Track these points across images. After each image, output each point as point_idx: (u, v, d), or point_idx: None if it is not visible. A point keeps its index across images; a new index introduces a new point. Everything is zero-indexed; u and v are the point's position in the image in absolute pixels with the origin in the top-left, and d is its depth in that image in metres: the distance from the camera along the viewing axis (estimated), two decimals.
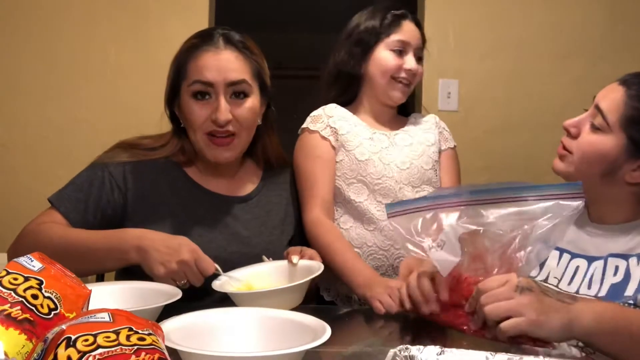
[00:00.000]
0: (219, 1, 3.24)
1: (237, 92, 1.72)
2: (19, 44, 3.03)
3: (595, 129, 1.58)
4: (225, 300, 1.48)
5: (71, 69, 3.04)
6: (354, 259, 1.75)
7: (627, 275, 1.52)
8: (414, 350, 0.98)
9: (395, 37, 1.97)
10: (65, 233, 1.63)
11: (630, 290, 1.49)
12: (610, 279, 1.54)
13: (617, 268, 1.54)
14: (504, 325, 1.20)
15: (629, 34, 3.10)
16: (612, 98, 1.56)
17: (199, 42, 1.74)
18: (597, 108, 1.58)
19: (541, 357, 0.99)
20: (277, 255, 1.72)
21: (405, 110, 2.14)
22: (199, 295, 1.56)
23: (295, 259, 1.62)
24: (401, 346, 0.99)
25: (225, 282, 1.53)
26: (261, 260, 1.69)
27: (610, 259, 1.57)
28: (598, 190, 1.59)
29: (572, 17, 3.11)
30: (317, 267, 1.58)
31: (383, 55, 1.97)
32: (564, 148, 1.65)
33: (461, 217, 1.31)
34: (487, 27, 3.12)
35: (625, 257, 1.55)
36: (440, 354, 0.97)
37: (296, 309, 1.34)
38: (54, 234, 1.62)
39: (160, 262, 1.48)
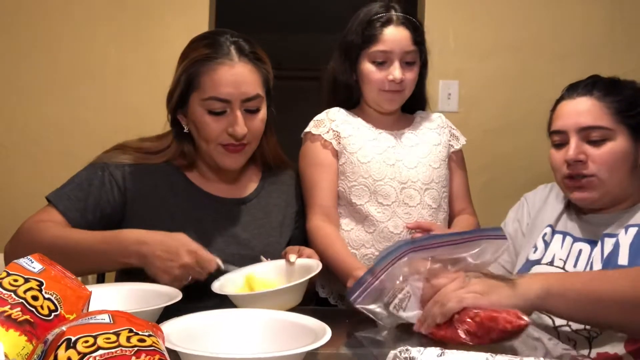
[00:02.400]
0: (219, 1, 3.24)
1: (251, 106, 1.72)
2: (19, 44, 3.03)
3: (597, 142, 1.65)
4: (225, 300, 1.48)
5: (71, 68, 3.04)
6: (348, 261, 1.75)
7: (617, 245, 1.60)
8: (415, 351, 0.98)
9: (375, 48, 1.90)
10: (63, 233, 1.62)
11: (622, 259, 1.57)
12: (606, 254, 1.62)
13: (610, 245, 1.62)
14: (450, 305, 1.28)
15: (629, 34, 3.10)
16: (586, 111, 1.67)
17: (212, 53, 1.70)
18: (582, 129, 1.66)
19: (541, 358, 0.99)
20: (275, 257, 1.72)
21: (411, 108, 2.10)
22: (199, 296, 1.57)
23: (292, 257, 1.62)
24: (402, 347, 0.99)
25: (224, 284, 1.53)
26: (260, 261, 1.69)
27: (606, 239, 1.64)
28: (624, 188, 1.68)
29: (573, 17, 3.11)
30: (315, 265, 1.58)
31: (366, 68, 1.93)
32: (581, 177, 1.67)
33: (411, 273, 1.40)
34: (488, 28, 3.12)
35: (616, 235, 1.63)
36: (441, 355, 0.97)
37: (296, 309, 1.34)
38: (51, 234, 1.61)
39: (163, 271, 1.49)
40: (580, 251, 1.68)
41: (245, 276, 1.58)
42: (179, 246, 1.51)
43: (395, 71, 1.89)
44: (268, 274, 1.61)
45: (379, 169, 1.90)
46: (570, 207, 1.81)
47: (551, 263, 1.70)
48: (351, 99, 2.03)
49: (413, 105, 2.09)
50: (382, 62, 1.91)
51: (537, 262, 1.73)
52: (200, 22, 3.02)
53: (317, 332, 1.09)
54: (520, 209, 1.93)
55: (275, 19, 5.54)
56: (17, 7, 3.03)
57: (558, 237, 1.75)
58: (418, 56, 1.95)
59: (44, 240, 1.59)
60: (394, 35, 1.89)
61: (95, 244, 1.58)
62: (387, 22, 1.90)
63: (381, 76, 1.91)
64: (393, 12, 1.91)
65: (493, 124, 3.09)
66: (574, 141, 1.66)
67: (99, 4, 3.05)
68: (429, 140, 2.00)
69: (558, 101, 1.78)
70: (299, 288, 1.50)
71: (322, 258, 1.72)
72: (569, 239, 1.73)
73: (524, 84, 3.10)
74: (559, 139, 1.71)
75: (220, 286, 1.51)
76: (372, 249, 1.89)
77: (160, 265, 1.49)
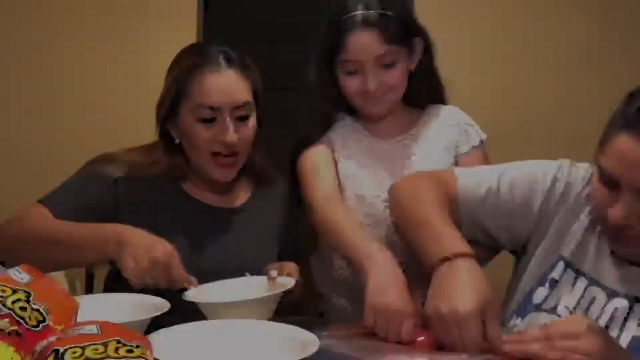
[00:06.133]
0: (208, 14, 3.25)
1: (241, 113, 1.72)
2: (8, 57, 3.03)
3: None
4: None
5: (59, 81, 3.03)
6: (367, 238, 1.51)
7: None
8: None
9: (343, 58, 1.70)
10: (49, 223, 1.61)
11: None
12: (634, 330, 1.31)
13: None
14: (552, 354, 1.12)
15: (619, 45, 3.12)
16: None
17: (201, 61, 1.71)
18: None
19: None
20: (264, 269, 1.71)
21: (418, 102, 1.90)
22: (187, 307, 1.56)
23: (274, 273, 1.59)
24: None
25: (195, 294, 1.50)
26: (244, 275, 1.68)
27: (637, 305, 1.32)
28: None
29: (563, 27, 3.13)
30: (288, 282, 1.55)
31: (342, 79, 1.75)
32: (623, 235, 1.29)
33: None
34: (478, 39, 3.13)
35: None
36: None
37: (289, 320, 1.34)
38: (37, 224, 1.60)
39: (133, 257, 1.45)
40: (593, 299, 1.36)
41: (226, 292, 1.55)
42: (157, 242, 1.48)
43: (368, 82, 1.70)
44: (244, 289, 1.57)
45: (362, 184, 1.79)
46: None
47: (554, 308, 1.40)
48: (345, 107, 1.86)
49: (425, 96, 1.90)
50: (355, 71, 1.72)
51: (538, 307, 1.42)
52: (188, 34, 3.03)
53: (305, 343, 1.09)
54: (550, 189, 1.49)
55: (264, 30, 5.54)
56: (5, 20, 3.03)
57: (570, 275, 1.41)
58: (401, 53, 1.73)
59: (30, 230, 1.59)
60: (358, 43, 1.67)
61: (78, 229, 1.56)
62: (351, 26, 1.67)
63: (357, 86, 1.73)
64: (358, 11, 1.68)
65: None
66: (627, 199, 1.25)
67: (88, 16, 3.05)
68: (430, 146, 1.82)
69: (622, 127, 1.24)
70: (266, 301, 1.47)
71: (332, 229, 1.59)
72: (582, 281, 1.39)
73: (514, 95, 3.12)
74: (609, 181, 1.27)
75: (193, 295, 1.48)
76: (349, 270, 1.79)
77: (132, 251, 1.45)
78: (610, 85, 3.08)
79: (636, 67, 3.05)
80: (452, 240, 1.32)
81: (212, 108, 1.68)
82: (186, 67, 1.72)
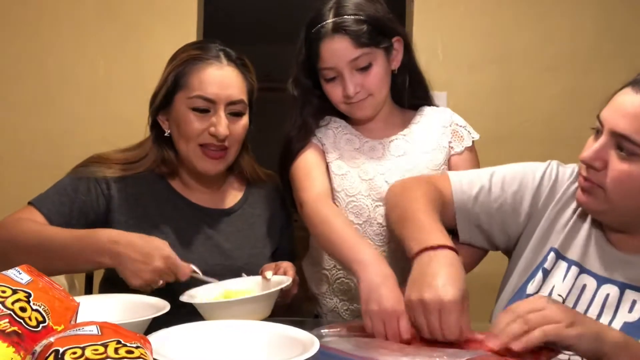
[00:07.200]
0: (208, 14, 3.25)
1: (235, 110, 1.74)
2: (9, 57, 3.03)
3: (625, 156, 1.30)
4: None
5: (61, 81, 3.04)
6: (355, 236, 1.53)
7: None
8: None
9: (321, 66, 1.71)
10: (41, 229, 1.61)
11: None
12: (625, 315, 1.34)
13: (634, 303, 1.35)
14: (546, 328, 1.13)
15: (618, 45, 3.12)
16: (631, 115, 1.29)
17: (201, 54, 1.74)
18: (616, 134, 1.30)
19: None
20: (258, 269, 1.70)
21: (403, 100, 1.88)
22: (187, 308, 1.56)
23: (269, 274, 1.60)
24: None
25: (194, 295, 1.52)
26: (240, 277, 1.68)
27: (628, 292, 1.36)
28: (636, 222, 1.37)
29: (561, 28, 3.13)
30: (286, 280, 1.57)
31: (326, 90, 1.76)
32: (588, 180, 1.36)
33: None
34: (476, 39, 3.14)
35: None
36: None
37: (287, 321, 1.34)
38: (29, 230, 1.59)
39: (135, 273, 1.47)
40: (584, 287, 1.40)
41: (223, 292, 1.57)
42: (153, 249, 1.49)
43: (347, 86, 1.70)
44: (242, 289, 1.59)
45: (353, 184, 1.77)
46: (587, 221, 1.48)
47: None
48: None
49: (410, 95, 1.88)
50: (334, 77, 1.72)
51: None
52: (188, 34, 3.03)
53: (305, 344, 1.09)
54: (539, 186, 1.57)
55: (263, 31, 5.55)
56: (5, 19, 3.03)
57: (562, 266, 1.45)
58: (375, 55, 1.71)
59: (21, 236, 1.58)
60: (330, 50, 1.68)
61: (70, 241, 1.55)
62: (323, 35, 1.68)
63: (338, 93, 1.73)
64: (328, 20, 1.68)
65: (482, 136, 3.09)
66: (602, 140, 1.32)
67: (88, 17, 3.06)
68: (422, 147, 1.82)
69: (630, 83, 1.36)
70: (263, 299, 1.47)
71: (323, 229, 1.59)
72: (574, 270, 1.43)
73: (512, 95, 3.12)
74: (596, 128, 1.36)
75: (188, 297, 1.50)
76: (343, 271, 1.80)
77: (132, 267, 1.47)
78: (609, 86, 3.09)
79: (635, 68, 3.05)
80: (435, 233, 1.35)
81: (208, 100, 1.70)
82: (186, 59, 1.75)
